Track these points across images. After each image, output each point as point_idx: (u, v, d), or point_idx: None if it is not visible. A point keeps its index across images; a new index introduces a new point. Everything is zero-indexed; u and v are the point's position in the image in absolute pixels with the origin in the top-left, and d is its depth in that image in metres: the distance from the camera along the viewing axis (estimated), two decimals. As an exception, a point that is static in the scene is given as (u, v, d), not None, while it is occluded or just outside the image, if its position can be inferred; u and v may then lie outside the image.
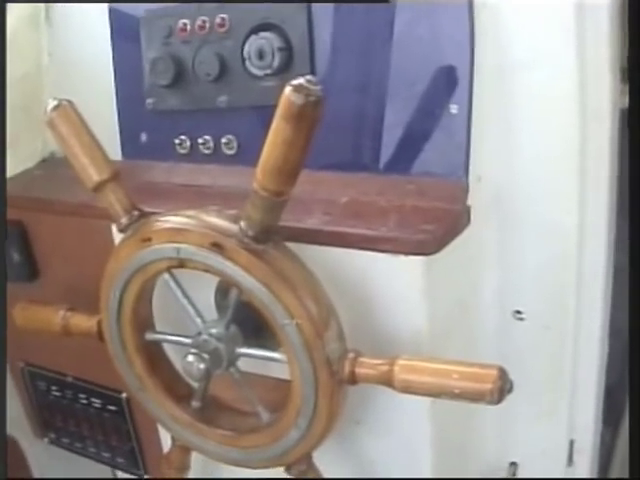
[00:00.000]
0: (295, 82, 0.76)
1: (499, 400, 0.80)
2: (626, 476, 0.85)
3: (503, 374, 0.80)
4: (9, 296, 1.25)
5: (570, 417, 1.11)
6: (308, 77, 0.76)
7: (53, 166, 1.40)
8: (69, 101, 0.97)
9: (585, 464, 1.15)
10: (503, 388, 0.80)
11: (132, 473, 1.46)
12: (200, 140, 1.15)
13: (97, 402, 1.39)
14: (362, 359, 0.88)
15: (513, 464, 1.17)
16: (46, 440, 1.55)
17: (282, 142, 0.78)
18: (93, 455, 1.48)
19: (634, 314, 0.80)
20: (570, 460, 1.14)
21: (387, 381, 0.85)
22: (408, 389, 0.85)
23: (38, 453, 1.59)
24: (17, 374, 1.49)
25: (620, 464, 1.65)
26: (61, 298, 1.17)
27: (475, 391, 0.80)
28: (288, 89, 0.76)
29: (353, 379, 0.88)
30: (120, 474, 1.61)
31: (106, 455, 1.46)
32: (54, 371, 1.43)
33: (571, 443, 1.13)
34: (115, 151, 1.23)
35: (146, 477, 1.46)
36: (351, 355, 0.88)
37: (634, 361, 0.80)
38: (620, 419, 1.70)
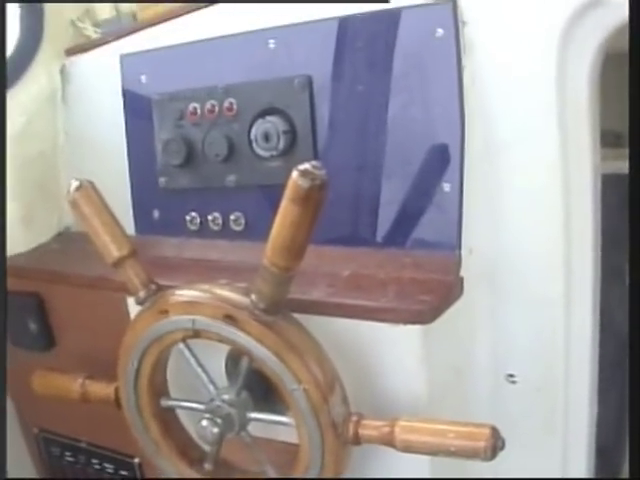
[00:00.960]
0: (302, 167, 0.83)
1: (492, 456, 0.86)
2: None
3: (495, 432, 0.87)
4: (27, 364, 1.32)
5: (562, 476, 1.15)
6: (313, 162, 0.84)
7: (68, 240, 1.48)
8: (90, 182, 1.04)
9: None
10: (495, 445, 0.86)
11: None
12: (210, 217, 1.22)
13: (110, 467, 1.44)
14: (365, 421, 0.94)
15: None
16: (59, 505, 1.59)
17: (290, 222, 0.85)
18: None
19: (634, 314, 0.85)
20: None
21: (389, 441, 0.92)
22: (408, 449, 0.91)
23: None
24: (31, 440, 1.54)
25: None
26: (76, 366, 1.24)
27: (470, 448, 0.87)
28: (295, 174, 0.83)
29: (357, 440, 0.94)
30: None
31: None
32: (68, 437, 1.48)
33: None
34: (128, 227, 1.29)
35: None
36: (354, 418, 0.94)
37: (634, 362, 0.84)
38: (616, 477, 1.74)
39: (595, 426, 1.15)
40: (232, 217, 1.20)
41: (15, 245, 1.44)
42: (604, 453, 1.88)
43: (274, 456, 1.06)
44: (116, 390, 1.12)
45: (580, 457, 1.16)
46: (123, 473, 1.43)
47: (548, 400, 1.11)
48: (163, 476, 1.15)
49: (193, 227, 1.25)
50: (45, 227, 1.48)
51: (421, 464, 1.04)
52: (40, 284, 1.36)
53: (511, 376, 1.11)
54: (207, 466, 1.09)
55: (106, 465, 1.45)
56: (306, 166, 0.83)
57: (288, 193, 0.85)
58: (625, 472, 1.67)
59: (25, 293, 1.37)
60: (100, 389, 1.16)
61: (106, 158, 1.37)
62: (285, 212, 0.86)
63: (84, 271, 1.29)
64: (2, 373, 1.03)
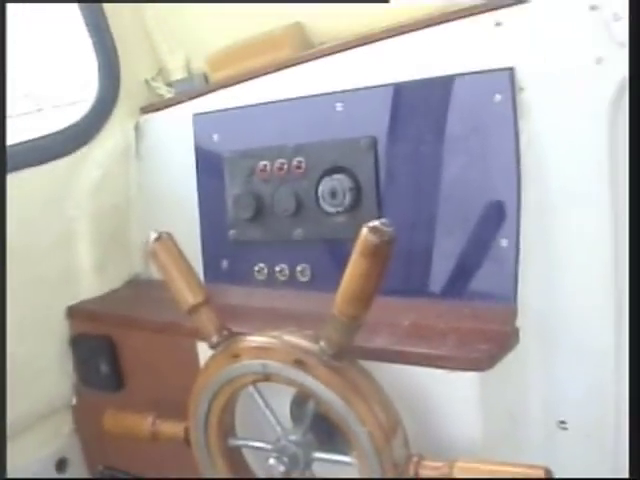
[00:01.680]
0: (371, 224, 0.90)
1: None
2: None
3: (549, 473, 0.92)
4: (96, 404, 1.39)
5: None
6: (382, 220, 0.91)
7: (137, 286, 1.56)
8: (168, 233, 1.12)
9: None
10: (549, 486, 0.91)
11: None
12: (277, 268, 1.30)
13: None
14: (425, 462, 0.99)
15: None
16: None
17: (360, 275, 0.92)
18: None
19: (634, 314, 0.91)
20: None
21: (448, 481, 0.97)
22: (466, 489, 0.96)
23: None
24: (96, 477, 1.60)
25: None
26: (144, 407, 1.30)
27: (525, 490, 0.92)
28: (365, 230, 0.90)
29: (417, 480, 1.00)
30: None
31: None
32: (132, 474, 1.55)
33: None
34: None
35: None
36: (415, 459, 1.00)
37: (634, 361, 0.89)
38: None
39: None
40: (299, 268, 1.28)
41: (89, 291, 1.52)
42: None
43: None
44: (186, 429, 1.18)
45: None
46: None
47: (597, 446, 1.15)
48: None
49: (260, 277, 1.32)
50: (117, 274, 1.57)
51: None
52: (112, 328, 1.43)
53: (562, 422, 1.16)
54: (273, 504, 1.15)
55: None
56: (376, 223, 0.91)
57: (358, 248, 0.91)
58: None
59: (98, 336, 1.45)
60: (170, 428, 1.22)
61: (177, 211, 1.45)
62: (355, 265, 0.92)
63: (155, 316, 1.36)
64: (2, 373, 1.07)
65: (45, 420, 1.52)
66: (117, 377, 1.45)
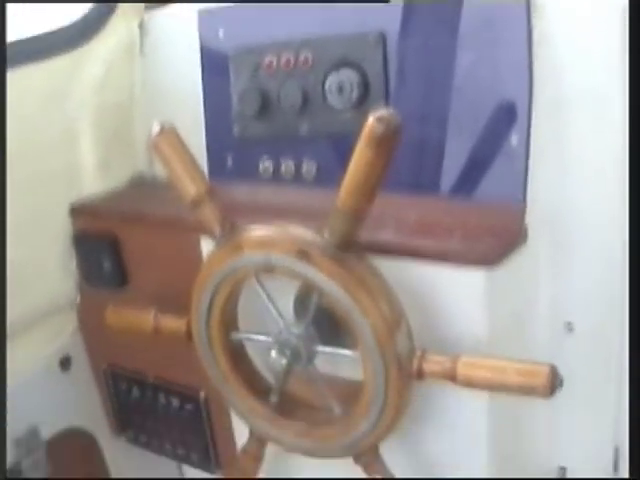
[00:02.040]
0: (377, 113, 0.88)
1: (551, 394, 0.90)
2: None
3: (554, 370, 0.91)
4: (99, 301, 1.39)
5: (617, 425, 1.18)
6: (389, 109, 0.89)
7: (141, 184, 1.54)
8: (172, 125, 1.09)
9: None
10: (554, 383, 0.90)
11: (205, 469, 1.57)
12: (282, 164, 1.28)
13: (176, 401, 1.50)
14: (428, 356, 0.99)
15: (562, 468, 1.25)
16: (124, 438, 1.67)
17: (364, 165, 0.90)
18: (168, 452, 1.59)
19: (634, 313, 0.89)
20: (616, 466, 1.21)
21: (450, 376, 0.96)
22: (469, 384, 0.96)
23: (114, 450, 1.70)
24: (99, 375, 1.61)
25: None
26: (148, 303, 1.30)
27: (529, 385, 0.91)
28: (371, 119, 0.88)
29: (420, 374, 0.99)
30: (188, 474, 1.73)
31: (181, 452, 1.57)
32: (136, 372, 1.56)
33: (616, 450, 1.20)
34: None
35: (215, 477, 1.57)
36: (419, 353, 0.99)
37: (634, 360, 0.88)
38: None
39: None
40: (304, 165, 1.25)
41: (92, 189, 1.51)
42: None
43: (337, 392, 1.12)
44: (188, 323, 1.18)
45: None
46: (188, 407, 1.50)
47: (605, 348, 1.14)
48: (229, 408, 1.21)
49: (266, 174, 1.30)
50: (120, 173, 1.55)
51: (479, 408, 1.09)
52: (115, 224, 1.42)
53: (569, 324, 1.15)
54: (273, 398, 1.15)
55: (172, 399, 1.51)
56: (382, 112, 0.88)
57: (363, 137, 0.89)
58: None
59: (101, 233, 1.43)
60: (172, 322, 1.22)
61: (181, 108, 1.42)
62: (360, 155, 0.90)
63: (158, 212, 1.35)
64: (2, 373, 1.07)
65: (49, 318, 1.52)
66: (120, 274, 1.44)
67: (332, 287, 0.98)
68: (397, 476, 1.14)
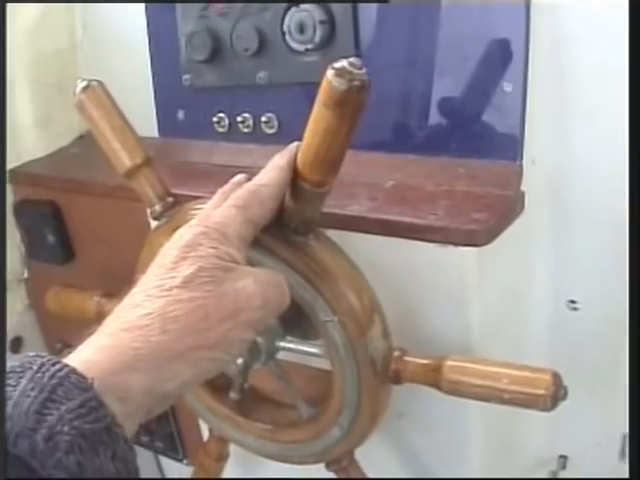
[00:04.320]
0: (337, 65, 0.69)
1: (552, 407, 0.76)
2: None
3: (557, 379, 0.75)
4: (47, 277, 1.24)
5: (625, 410, 1.04)
6: (352, 59, 0.70)
7: (90, 144, 1.36)
8: (99, 82, 0.91)
9: (640, 459, 1.10)
10: (557, 395, 0.75)
11: (171, 457, 1.45)
12: (239, 118, 1.10)
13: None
14: (408, 358, 0.83)
15: (563, 457, 1.13)
16: (84, 422, 1.53)
17: (323, 130, 0.72)
18: (132, 438, 1.46)
19: (634, 313, 0.76)
20: (623, 454, 1.09)
21: (434, 382, 0.81)
22: (456, 392, 0.80)
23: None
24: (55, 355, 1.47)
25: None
26: (96, 280, 1.16)
27: (527, 397, 0.76)
28: (330, 73, 0.69)
29: (398, 379, 0.84)
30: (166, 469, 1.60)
31: (145, 439, 1.44)
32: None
33: (624, 437, 1.08)
34: (152, 129, 1.20)
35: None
36: (396, 354, 0.83)
37: (634, 360, 0.75)
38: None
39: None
40: (264, 118, 1.08)
41: (32, 150, 1.34)
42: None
43: (306, 385, 0.98)
44: (134, 311, 1.02)
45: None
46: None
47: (613, 330, 0.99)
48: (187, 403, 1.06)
49: (221, 129, 1.12)
50: (64, 129, 1.37)
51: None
52: (57, 192, 1.25)
53: (573, 302, 1.00)
54: (233, 395, 1.00)
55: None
56: (343, 64, 0.69)
57: (321, 96, 0.70)
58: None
59: (42, 202, 1.27)
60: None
61: (127, 55, 1.25)
62: (318, 118, 0.72)
63: (104, 178, 1.18)
64: (2, 370, 0.94)
65: (-4, 296, 1.37)
66: (65, 247, 1.28)
67: (291, 277, 0.81)
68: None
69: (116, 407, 0.54)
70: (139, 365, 0.59)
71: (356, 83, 0.69)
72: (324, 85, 0.70)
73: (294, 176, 0.76)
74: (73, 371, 0.53)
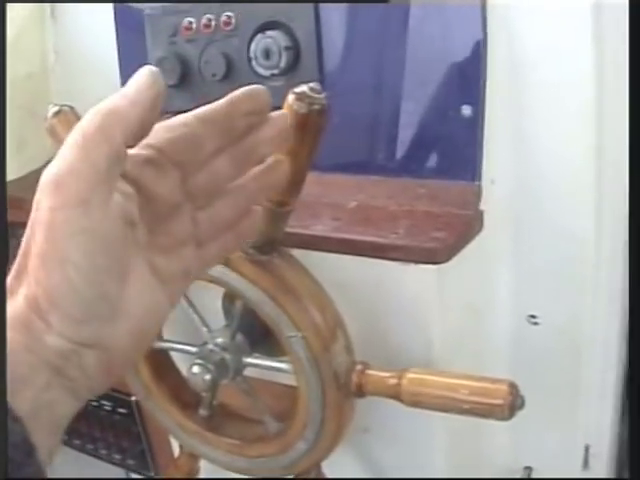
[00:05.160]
0: (298, 90, 0.72)
1: (510, 416, 0.78)
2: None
3: (514, 389, 0.78)
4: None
5: (586, 422, 1.08)
6: (312, 84, 0.73)
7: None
8: (70, 107, 0.94)
9: (601, 468, 1.12)
10: (514, 404, 0.78)
11: (143, 474, 1.46)
12: (208, 143, 1.12)
13: (107, 405, 1.38)
14: (370, 372, 0.86)
15: (528, 468, 1.15)
16: (58, 440, 1.53)
17: (285, 152, 0.75)
18: (104, 456, 1.47)
19: (634, 314, 0.77)
20: (586, 464, 1.11)
21: (395, 395, 0.83)
22: (417, 404, 0.83)
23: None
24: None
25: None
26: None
27: (485, 407, 0.79)
28: (291, 97, 0.72)
29: (361, 392, 0.86)
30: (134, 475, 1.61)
31: (117, 457, 1.45)
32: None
33: (587, 448, 1.10)
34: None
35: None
36: (359, 368, 0.86)
37: (634, 360, 0.77)
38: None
39: (623, 376, 1.07)
40: (231, 143, 1.10)
41: (7, 172, 1.35)
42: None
43: (273, 401, 1.00)
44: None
45: (606, 402, 1.08)
46: (121, 411, 1.37)
47: (573, 343, 1.02)
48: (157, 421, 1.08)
49: (191, 153, 1.14)
50: (37, 153, 1.38)
51: (431, 413, 0.96)
52: (24, 216, 1.26)
53: (533, 317, 1.03)
54: (202, 412, 1.02)
55: (104, 402, 1.39)
56: (303, 89, 0.72)
57: (283, 119, 0.74)
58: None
59: (14, 224, 1.27)
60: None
61: (99, 80, 1.26)
62: (279, 141, 0.75)
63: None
64: (2, 370, 0.95)
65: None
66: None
67: (256, 294, 0.84)
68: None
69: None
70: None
71: (316, 107, 0.72)
72: (285, 109, 0.73)
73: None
74: None
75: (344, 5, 0.99)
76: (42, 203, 0.50)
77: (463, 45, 0.93)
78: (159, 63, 1.12)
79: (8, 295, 0.49)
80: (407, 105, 0.98)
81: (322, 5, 0.99)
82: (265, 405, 0.97)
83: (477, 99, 0.92)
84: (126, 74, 1.19)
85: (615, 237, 0.97)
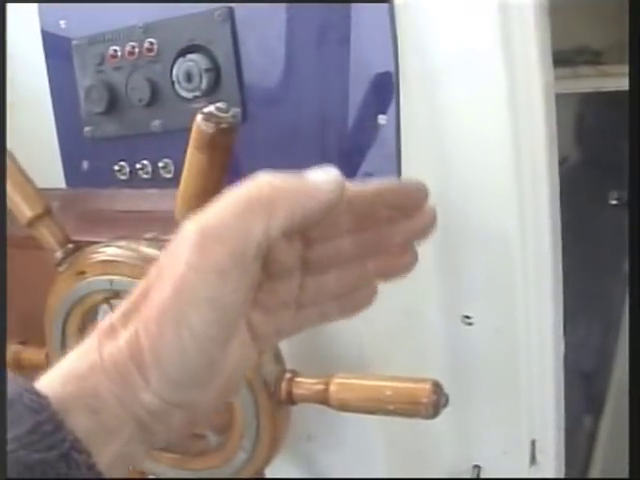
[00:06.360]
0: (206, 110, 0.76)
1: (434, 415, 0.80)
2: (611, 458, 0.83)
3: (437, 388, 0.80)
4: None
5: (530, 417, 1.09)
6: (219, 104, 0.76)
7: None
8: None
9: (549, 462, 1.14)
10: (438, 403, 0.80)
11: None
12: (138, 165, 1.14)
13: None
14: (298, 379, 0.88)
15: (476, 466, 1.16)
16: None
17: (198, 172, 0.78)
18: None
19: (634, 314, 0.79)
20: (533, 459, 1.12)
21: (324, 400, 0.86)
22: (345, 408, 0.85)
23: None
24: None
25: (604, 448, 1.64)
26: (14, 329, 1.16)
27: (409, 407, 0.81)
28: (199, 118, 0.76)
29: (291, 399, 0.88)
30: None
31: None
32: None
33: (532, 443, 1.11)
34: (59, 179, 1.23)
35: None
36: (288, 376, 0.88)
37: (634, 360, 0.78)
38: (602, 403, 1.70)
39: (562, 369, 1.09)
40: (161, 164, 1.12)
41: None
42: (590, 379, 1.83)
43: (214, 415, 1.00)
44: (47, 355, 1.06)
45: (548, 397, 1.10)
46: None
47: (509, 341, 1.04)
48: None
49: (123, 177, 1.17)
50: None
51: (372, 418, 0.98)
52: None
53: (467, 317, 1.05)
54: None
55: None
56: (210, 109, 0.75)
57: (193, 140, 0.77)
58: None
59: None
60: (33, 355, 1.10)
61: (32, 111, 1.28)
62: (191, 161, 0.78)
63: (16, 230, 1.21)
64: (2, 372, 0.96)
65: None
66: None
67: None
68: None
69: (87, 422, 0.45)
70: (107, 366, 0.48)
71: (223, 126, 0.75)
72: (194, 129, 0.76)
73: (176, 215, 0.81)
74: (27, 390, 0.45)
75: (261, 24, 1.02)
76: (182, 254, 0.48)
77: (374, 54, 0.96)
78: (88, 92, 1.14)
79: (108, 329, 0.49)
80: (325, 118, 1.00)
81: (240, 26, 1.02)
82: (207, 420, 0.99)
83: (392, 108, 0.95)
84: (58, 104, 1.23)
85: (541, 233, 0.99)
